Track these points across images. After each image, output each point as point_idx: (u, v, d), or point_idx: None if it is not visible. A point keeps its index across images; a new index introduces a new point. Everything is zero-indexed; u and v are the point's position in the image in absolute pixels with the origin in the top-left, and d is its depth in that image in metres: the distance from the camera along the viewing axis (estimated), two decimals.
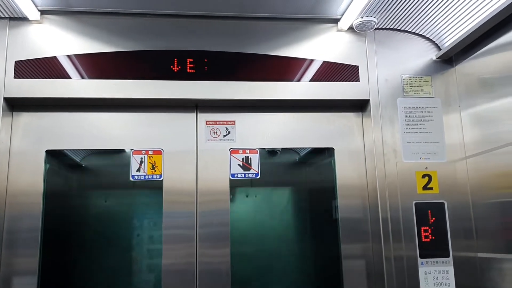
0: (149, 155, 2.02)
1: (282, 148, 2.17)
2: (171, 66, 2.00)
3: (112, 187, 2.13)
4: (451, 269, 1.95)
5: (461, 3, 1.85)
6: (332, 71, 2.08)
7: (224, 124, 2.10)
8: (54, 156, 2.05)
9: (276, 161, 2.22)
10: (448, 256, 1.96)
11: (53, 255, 2.00)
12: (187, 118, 2.08)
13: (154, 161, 2.02)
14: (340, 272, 2.04)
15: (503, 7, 1.72)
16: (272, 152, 2.23)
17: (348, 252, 2.05)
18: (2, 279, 1.85)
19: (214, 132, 2.08)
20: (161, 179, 2.01)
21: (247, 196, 2.17)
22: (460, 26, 1.98)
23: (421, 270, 1.94)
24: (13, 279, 1.87)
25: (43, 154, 1.97)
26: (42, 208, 1.94)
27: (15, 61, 1.94)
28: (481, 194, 1.96)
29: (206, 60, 2.02)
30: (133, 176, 2.01)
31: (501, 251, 1.84)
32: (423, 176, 2.02)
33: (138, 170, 2.01)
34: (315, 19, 2.12)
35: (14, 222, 1.91)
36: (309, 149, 2.23)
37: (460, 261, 1.96)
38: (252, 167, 2.07)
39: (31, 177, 1.95)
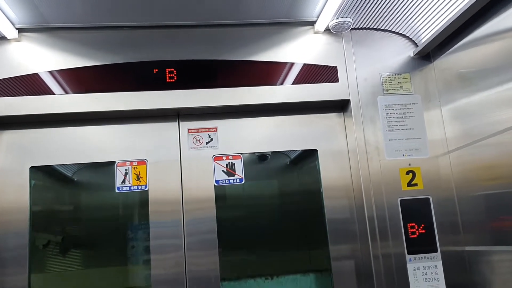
0: (133, 166, 2.04)
1: (265, 152, 2.18)
2: (151, 77, 2.02)
3: (98, 199, 2.14)
4: (439, 264, 1.96)
5: None
6: (311, 73, 2.09)
7: (207, 131, 2.11)
8: (39, 173, 2.06)
9: (261, 166, 2.24)
10: (436, 251, 1.97)
11: (42, 270, 2.02)
12: (169, 127, 2.10)
13: (139, 172, 2.03)
14: (330, 273, 2.04)
15: (475, 0, 1.74)
16: (262, 157, 2.24)
17: (336, 253, 2.05)
18: None
19: (196, 140, 2.09)
20: (146, 189, 2.02)
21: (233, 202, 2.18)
22: (435, 21, 1.99)
23: (410, 267, 1.95)
24: None
25: (28, 171, 1.99)
26: (29, 225, 1.95)
27: None
28: (466, 188, 1.97)
29: (185, 68, 2.03)
30: (118, 188, 2.02)
31: (488, 243, 1.85)
32: (407, 173, 2.03)
33: (123, 181, 2.02)
34: (291, 22, 2.13)
35: (1, 240, 1.91)
36: (295, 153, 2.24)
37: (448, 256, 1.97)
38: (236, 172, 2.08)
39: (16, 194, 1.96)
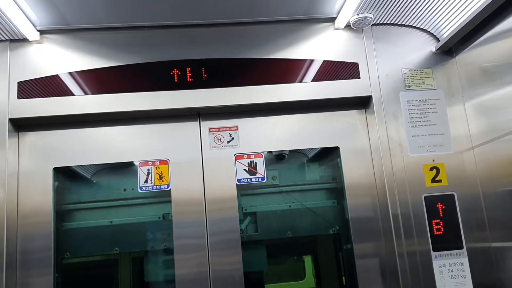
0: (155, 166, 2.03)
1: (287, 150, 2.17)
2: (171, 77, 2.01)
3: (121, 200, 2.14)
4: (465, 260, 1.93)
5: None
6: (332, 70, 2.08)
7: (228, 130, 2.10)
8: (62, 173, 2.07)
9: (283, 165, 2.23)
10: (461, 247, 1.94)
11: (67, 272, 2.03)
12: (190, 127, 2.09)
13: (161, 172, 2.03)
14: (354, 271, 2.03)
15: None
16: (279, 156, 2.24)
17: (360, 251, 2.03)
18: None
19: (218, 139, 2.09)
20: (168, 188, 2.02)
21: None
22: (457, 16, 1.96)
23: (435, 264, 1.93)
24: None
25: (51, 172, 1.99)
26: (53, 226, 1.95)
27: (18, 82, 1.97)
28: (491, 183, 1.94)
29: (205, 68, 2.03)
30: (141, 188, 2.02)
31: None
32: (431, 169, 2.01)
33: (146, 181, 2.02)
34: (311, 19, 2.12)
35: (27, 242, 1.92)
36: (316, 151, 2.23)
37: (475, 252, 1.94)
38: (258, 171, 2.07)
39: (40, 195, 1.97)
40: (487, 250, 1.95)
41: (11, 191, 1.92)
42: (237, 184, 2.04)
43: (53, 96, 1.97)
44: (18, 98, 1.95)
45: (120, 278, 2.14)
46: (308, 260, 2.35)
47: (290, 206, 2.18)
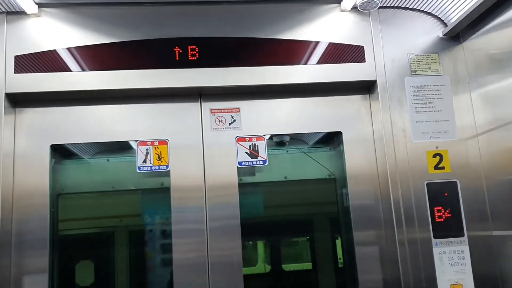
0: (154, 146, 1.99)
1: (289, 134, 2.14)
2: (173, 55, 1.96)
3: (119, 180, 2.11)
4: (466, 248, 1.92)
5: None
6: (337, 53, 2.04)
7: (229, 112, 2.06)
8: (59, 151, 2.03)
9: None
10: (463, 235, 1.93)
11: (63, 253, 2.00)
12: (191, 107, 2.05)
13: (160, 152, 1.99)
14: (353, 259, 2.01)
15: None
16: (280, 142, 2.21)
17: (360, 238, 2.01)
18: (13, 280, 1.83)
19: (219, 121, 2.05)
20: (168, 169, 1.98)
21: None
22: (465, 0, 1.93)
23: (436, 251, 1.91)
24: (24, 279, 1.85)
25: (48, 149, 1.95)
26: (49, 204, 1.92)
27: (15, 56, 1.91)
28: (494, 171, 1.92)
29: (208, 46, 1.98)
30: (139, 168, 1.98)
31: None
32: (434, 156, 1.98)
33: (144, 161, 1.98)
34: (317, 0, 2.07)
35: (22, 221, 1.88)
36: (317, 137, 2.20)
37: (476, 240, 1.93)
38: (259, 154, 2.04)
39: (37, 173, 1.92)
40: (488, 238, 1.93)
41: (7, 168, 1.87)
42: (238, 167, 2.01)
43: (50, 72, 1.92)
44: (15, 72, 1.90)
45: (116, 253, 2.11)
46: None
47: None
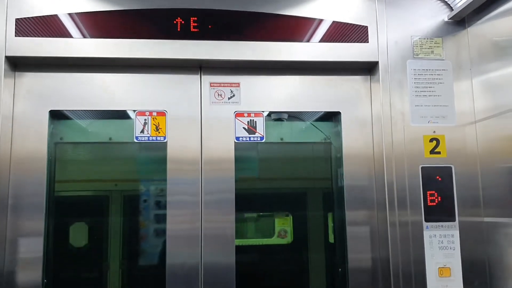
0: (153, 117, 2.00)
1: (288, 112, 2.14)
2: (174, 25, 1.95)
3: (117, 148, 2.13)
4: (456, 233, 1.94)
5: None
6: (341, 32, 2.02)
7: (229, 86, 2.06)
8: (58, 117, 2.04)
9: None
10: (454, 220, 1.95)
11: (58, 217, 2.03)
12: (191, 80, 2.04)
13: (158, 123, 1.99)
14: (344, 238, 2.03)
15: None
16: (278, 120, 2.21)
17: (352, 218, 2.03)
18: (9, 242, 1.86)
19: (218, 95, 2.04)
20: (165, 140, 1.99)
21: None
22: None
23: (426, 234, 1.93)
24: (20, 241, 1.88)
25: (47, 115, 1.95)
26: (47, 170, 1.93)
27: (16, 19, 1.90)
28: (490, 159, 1.93)
29: (210, 19, 1.96)
30: (137, 137, 1.99)
31: (508, 215, 1.82)
32: (431, 140, 1.99)
33: (142, 131, 1.99)
34: None
35: (19, 184, 1.90)
36: (316, 116, 2.21)
37: (466, 226, 1.94)
38: (257, 130, 2.05)
39: (35, 138, 1.93)
40: (479, 224, 1.95)
41: (5, 131, 1.88)
42: (235, 142, 2.02)
43: (51, 37, 1.91)
44: (16, 36, 1.89)
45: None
46: None
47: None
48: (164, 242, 1.92)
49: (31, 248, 1.88)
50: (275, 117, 2.20)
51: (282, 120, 2.22)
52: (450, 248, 1.93)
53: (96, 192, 2.21)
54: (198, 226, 1.93)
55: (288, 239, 2.28)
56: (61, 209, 2.05)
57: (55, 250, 2.01)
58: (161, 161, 1.97)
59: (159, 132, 1.99)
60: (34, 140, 1.93)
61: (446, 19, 2.07)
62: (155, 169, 2.08)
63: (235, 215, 1.95)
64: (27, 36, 1.90)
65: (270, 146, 2.16)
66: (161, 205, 2.08)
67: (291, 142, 2.24)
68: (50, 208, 1.95)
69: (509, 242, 1.82)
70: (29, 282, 1.86)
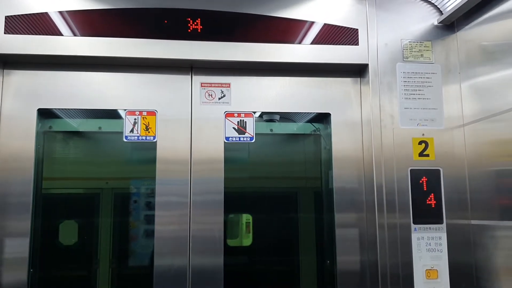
0: (142, 116, 1.99)
1: (278, 112, 2.15)
2: (166, 25, 1.95)
3: (106, 148, 2.12)
4: (444, 235, 1.95)
5: None
6: (332, 34, 2.03)
7: (220, 86, 2.06)
8: (46, 116, 2.02)
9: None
10: (441, 222, 1.96)
11: (45, 217, 2.01)
12: (182, 80, 2.04)
13: (148, 122, 1.99)
14: (333, 240, 2.04)
15: None
16: (270, 120, 2.21)
17: (342, 220, 2.04)
18: None
19: (209, 95, 2.04)
20: (154, 140, 1.98)
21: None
22: None
23: (414, 236, 1.94)
24: (6, 241, 1.86)
25: (35, 113, 1.94)
26: (34, 168, 1.91)
27: (6, 16, 1.88)
28: (478, 162, 1.94)
29: (202, 19, 1.96)
30: (126, 137, 1.98)
31: (495, 218, 1.84)
32: (420, 143, 2.00)
33: (132, 131, 1.98)
34: None
35: (6, 183, 1.88)
36: (307, 118, 2.22)
37: (454, 228, 1.96)
38: (247, 130, 2.05)
39: (22, 136, 1.91)
40: (466, 227, 1.97)
41: None
42: (225, 142, 2.01)
43: (41, 35, 1.89)
44: (5, 33, 1.87)
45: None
46: None
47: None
48: (151, 243, 1.92)
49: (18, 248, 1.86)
50: (267, 118, 2.21)
51: (274, 121, 2.23)
52: (438, 250, 1.94)
53: (82, 190, 2.19)
54: (186, 227, 1.93)
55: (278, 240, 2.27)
56: (47, 207, 2.04)
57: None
58: (150, 161, 1.96)
59: (148, 132, 1.98)
60: (22, 138, 1.91)
61: (435, 23, 2.09)
62: (144, 169, 2.07)
63: (224, 216, 1.94)
64: (17, 34, 1.88)
65: (260, 146, 2.16)
66: (149, 205, 2.08)
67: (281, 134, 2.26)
68: (37, 207, 1.94)
69: (496, 245, 1.84)
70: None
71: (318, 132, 2.20)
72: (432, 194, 1.96)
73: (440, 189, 1.97)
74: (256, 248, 2.22)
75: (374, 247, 1.95)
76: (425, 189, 1.96)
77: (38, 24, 1.90)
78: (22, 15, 1.90)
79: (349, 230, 2.03)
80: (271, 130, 2.19)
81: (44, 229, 2.01)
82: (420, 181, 1.96)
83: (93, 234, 2.15)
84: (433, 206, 1.96)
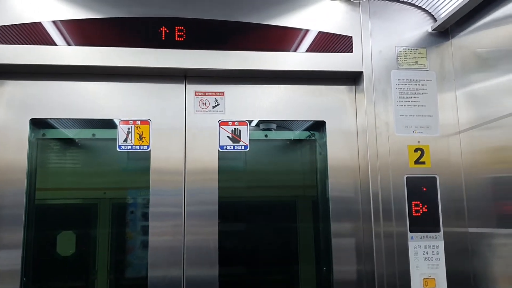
0: (136, 126, 1.98)
1: (273, 120, 2.14)
2: (159, 34, 1.94)
3: (100, 158, 2.10)
4: (441, 243, 1.93)
5: None
6: (326, 42, 2.02)
7: (214, 95, 2.05)
8: (39, 126, 2.01)
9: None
10: (438, 231, 1.94)
11: (38, 229, 1.99)
12: (175, 89, 2.03)
13: (142, 132, 1.97)
14: (330, 250, 2.01)
15: None
16: (266, 129, 2.20)
17: (338, 229, 2.01)
18: None
19: (203, 103, 2.03)
20: (148, 149, 1.97)
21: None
22: None
23: (411, 245, 1.92)
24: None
25: (28, 123, 1.92)
26: (27, 179, 1.90)
27: None
28: (474, 169, 1.93)
29: (195, 28, 1.96)
30: (119, 147, 1.97)
31: (493, 226, 1.82)
32: (415, 150, 1.99)
33: (125, 140, 1.96)
34: None
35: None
36: (302, 127, 2.20)
37: (451, 236, 1.94)
38: (241, 139, 2.03)
39: (15, 147, 1.90)
40: (464, 235, 1.95)
41: None
42: (219, 151, 2.00)
43: (34, 44, 1.88)
44: None
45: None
46: None
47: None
48: (143, 253, 1.90)
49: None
50: (263, 127, 2.20)
51: (270, 130, 2.21)
52: (435, 259, 1.92)
53: (77, 201, 2.17)
54: (180, 238, 1.91)
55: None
56: (41, 218, 2.02)
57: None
58: (145, 170, 1.94)
59: (142, 141, 1.97)
60: (14, 149, 1.90)
61: (430, 30, 2.09)
62: (139, 179, 2.05)
63: (218, 227, 1.92)
64: (10, 44, 1.87)
65: (255, 154, 2.14)
66: (142, 215, 2.06)
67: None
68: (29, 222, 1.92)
69: (493, 253, 1.82)
70: None
71: (313, 138, 2.19)
72: (429, 202, 1.95)
73: (437, 197, 1.96)
74: (251, 258, 2.20)
75: (370, 256, 1.93)
76: (421, 197, 1.94)
77: (31, 33, 1.89)
78: (15, 24, 1.89)
79: (345, 239, 2.01)
80: (266, 136, 2.18)
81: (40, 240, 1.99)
82: (416, 189, 1.95)
83: (90, 245, 2.12)
84: (429, 214, 1.94)
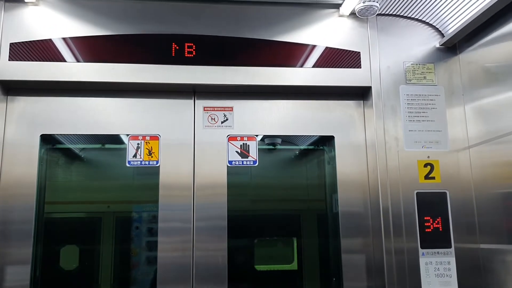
0: (146, 141, 1.98)
1: (281, 136, 2.14)
2: (169, 51, 1.96)
3: (109, 174, 2.10)
4: (453, 260, 1.91)
5: None
6: (334, 57, 2.04)
7: (222, 110, 2.06)
8: (49, 141, 2.02)
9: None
10: (450, 247, 1.92)
11: (47, 244, 1.98)
12: (184, 104, 2.04)
13: (151, 147, 1.98)
14: (340, 266, 1.99)
15: None
16: (271, 144, 2.20)
17: (348, 245, 2.00)
18: None
19: (212, 119, 2.04)
20: (158, 165, 1.97)
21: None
22: (464, 12, 1.93)
23: (422, 261, 1.90)
24: (7, 269, 1.83)
25: (38, 139, 1.93)
26: (36, 194, 1.90)
27: (10, 43, 1.90)
28: (484, 184, 1.92)
29: (204, 44, 1.98)
30: (129, 162, 1.97)
31: (504, 242, 1.80)
32: (425, 165, 1.98)
33: (135, 155, 1.97)
34: (316, 4, 2.07)
35: (8, 210, 1.86)
36: (310, 141, 2.21)
37: (463, 252, 1.92)
38: (250, 154, 2.03)
39: (25, 163, 1.90)
40: (475, 251, 1.92)
41: None
42: (228, 166, 2.00)
43: (45, 61, 1.91)
44: (9, 60, 1.89)
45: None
46: None
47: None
48: (152, 270, 1.88)
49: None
50: (269, 141, 2.20)
51: (275, 145, 2.22)
52: (447, 275, 1.90)
53: (85, 214, 2.17)
54: (189, 254, 1.89)
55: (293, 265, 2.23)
56: (50, 232, 2.02)
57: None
58: (153, 186, 1.94)
59: (151, 157, 1.97)
60: (25, 165, 1.90)
61: (437, 45, 2.10)
62: (146, 194, 2.06)
63: (227, 243, 1.91)
64: (21, 60, 1.89)
65: (263, 170, 2.14)
66: (150, 231, 2.05)
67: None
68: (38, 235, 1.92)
69: (507, 270, 1.79)
70: None
71: (322, 153, 2.19)
72: (439, 217, 1.93)
73: (447, 212, 1.94)
74: (260, 274, 2.17)
75: (381, 272, 1.91)
76: (432, 212, 1.93)
77: (42, 50, 1.92)
78: (26, 42, 1.92)
79: (355, 256, 1.99)
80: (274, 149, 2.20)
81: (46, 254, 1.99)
82: (427, 205, 1.93)
83: (94, 259, 2.11)
84: (440, 229, 1.92)
